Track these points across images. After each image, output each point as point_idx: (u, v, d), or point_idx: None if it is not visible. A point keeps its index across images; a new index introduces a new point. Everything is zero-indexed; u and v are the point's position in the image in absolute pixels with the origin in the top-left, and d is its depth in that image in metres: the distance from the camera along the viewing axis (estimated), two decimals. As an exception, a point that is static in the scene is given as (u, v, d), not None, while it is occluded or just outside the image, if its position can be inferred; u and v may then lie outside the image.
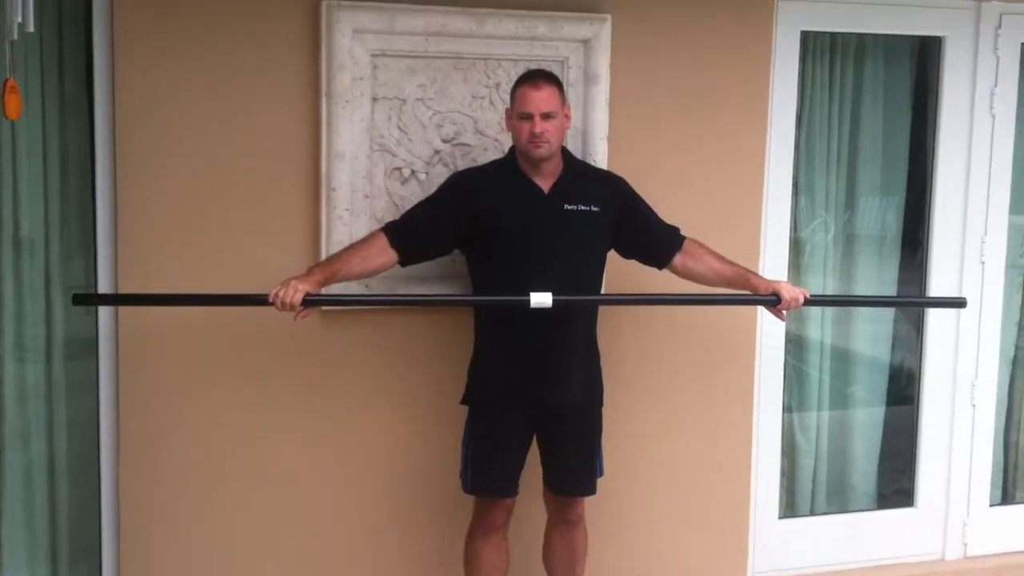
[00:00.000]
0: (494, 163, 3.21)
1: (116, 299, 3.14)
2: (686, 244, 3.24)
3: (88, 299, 3.15)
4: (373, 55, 3.18)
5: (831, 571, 4.02)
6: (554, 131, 3.01)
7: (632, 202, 3.22)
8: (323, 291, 2.93)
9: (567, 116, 3.10)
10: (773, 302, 3.15)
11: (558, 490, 3.25)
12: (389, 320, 3.34)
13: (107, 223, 3.13)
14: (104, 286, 3.16)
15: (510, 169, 3.11)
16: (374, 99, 3.21)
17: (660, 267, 3.26)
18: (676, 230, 3.26)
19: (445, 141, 3.30)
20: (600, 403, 3.25)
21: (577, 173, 3.16)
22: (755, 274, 3.31)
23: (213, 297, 2.99)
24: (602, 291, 3.25)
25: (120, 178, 3.08)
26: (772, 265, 3.78)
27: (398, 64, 3.22)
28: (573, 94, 3.35)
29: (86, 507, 3.30)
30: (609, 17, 3.38)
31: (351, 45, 3.15)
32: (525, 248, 3.03)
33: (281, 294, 2.80)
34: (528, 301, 2.90)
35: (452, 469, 3.26)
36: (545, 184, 3.09)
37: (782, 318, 3.26)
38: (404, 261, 3.06)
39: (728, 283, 3.24)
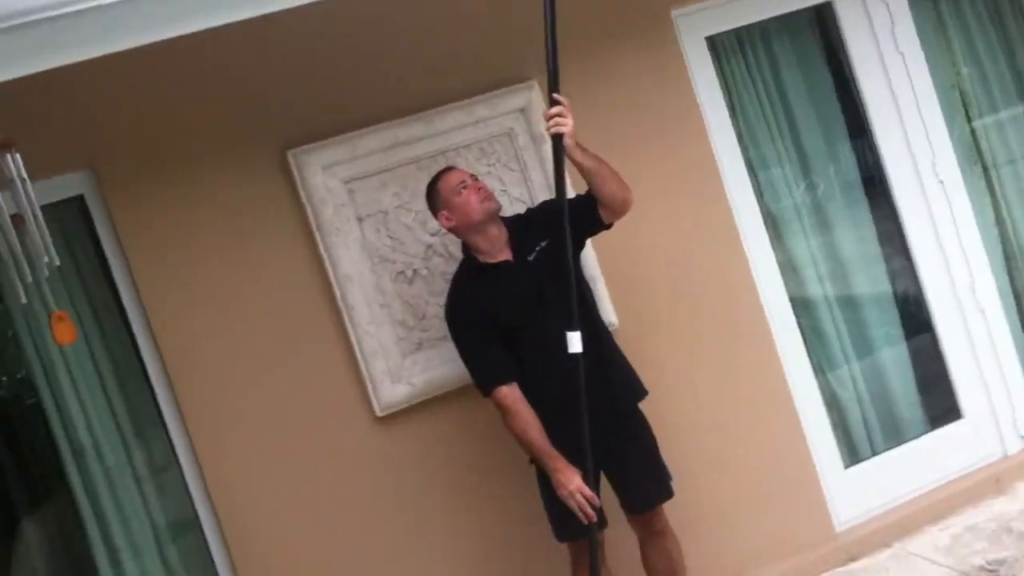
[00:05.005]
0: (459, 275, 3.30)
1: None
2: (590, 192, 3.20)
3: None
4: (345, 182, 3.51)
5: (914, 498, 4.17)
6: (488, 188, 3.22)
7: (558, 207, 3.20)
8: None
9: None
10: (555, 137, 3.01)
11: (635, 508, 3.33)
12: (440, 417, 3.60)
13: (170, 402, 3.43)
14: (184, 456, 3.45)
15: (476, 269, 3.24)
16: (359, 219, 3.53)
17: (607, 225, 3.25)
18: (582, 195, 3.22)
19: (433, 234, 3.59)
20: (641, 398, 3.31)
21: (518, 226, 3.29)
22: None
23: None
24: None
25: (167, 358, 3.38)
26: (753, 235, 4.05)
27: (370, 182, 3.54)
28: (527, 156, 3.68)
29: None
30: (535, 81, 3.68)
31: (324, 180, 3.47)
32: (530, 316, 3.17)
33: (584, 506, 3.03)
34: (576, 354, 2.98)
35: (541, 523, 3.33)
36: (505, 255, 3.23)
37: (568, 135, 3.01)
38: (518, 379, 3.16)
39: (589, 173, 3.11)
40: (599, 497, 3.19)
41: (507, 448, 3.27)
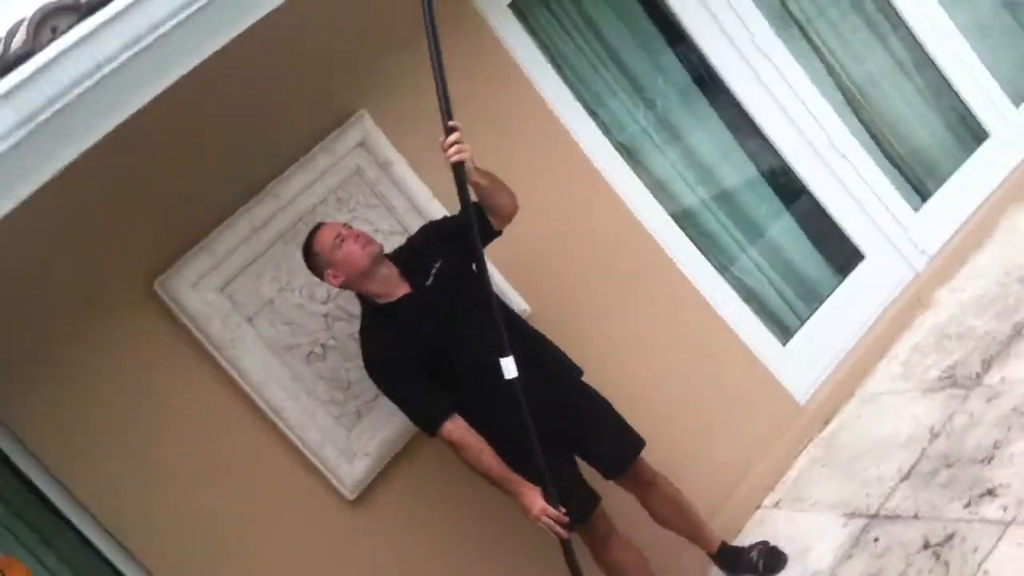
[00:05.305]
0: (365, 326, 3.20)
1: None
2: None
3: None
4: (221, 288, 3.33)
5: (854, 345, 4.28)
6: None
7: (443, 226, 3.32)
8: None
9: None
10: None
11: (618, 469, 3.34)
12: (413, 469, 3.50)
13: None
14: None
15: (378, 312, 3.14)
16: (249, 320, 3.35)
17: (499, 232, 3.24)
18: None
19: (324, 302, 3.45)
20: (579, 376, 3.33)
21: (404, 257, 3.22)
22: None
23: None
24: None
25: (119, 535, 3.19)
26: (613, 171, 4.03)
27: (244, 278, 3.37)
28: (383, 187, 3.55)
29: None
30: (364, 110, 3.55)
31: (200, 296, 3.28)
32: (447, 340, 3.10)
33: (553, 526, 3.02)
34: (513, 379, 2.93)
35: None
36: (403, 289, 3.14)
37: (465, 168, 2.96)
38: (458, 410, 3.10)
39: (485, 189, 3.10)
40: (580, 476, 3.26)
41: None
